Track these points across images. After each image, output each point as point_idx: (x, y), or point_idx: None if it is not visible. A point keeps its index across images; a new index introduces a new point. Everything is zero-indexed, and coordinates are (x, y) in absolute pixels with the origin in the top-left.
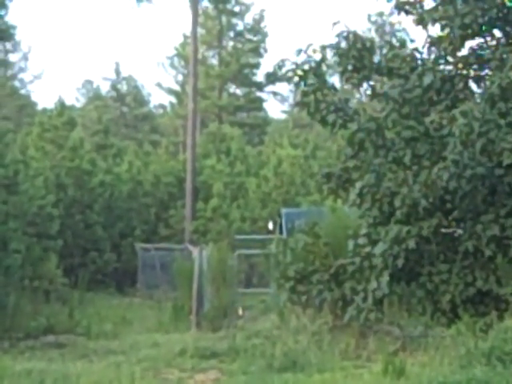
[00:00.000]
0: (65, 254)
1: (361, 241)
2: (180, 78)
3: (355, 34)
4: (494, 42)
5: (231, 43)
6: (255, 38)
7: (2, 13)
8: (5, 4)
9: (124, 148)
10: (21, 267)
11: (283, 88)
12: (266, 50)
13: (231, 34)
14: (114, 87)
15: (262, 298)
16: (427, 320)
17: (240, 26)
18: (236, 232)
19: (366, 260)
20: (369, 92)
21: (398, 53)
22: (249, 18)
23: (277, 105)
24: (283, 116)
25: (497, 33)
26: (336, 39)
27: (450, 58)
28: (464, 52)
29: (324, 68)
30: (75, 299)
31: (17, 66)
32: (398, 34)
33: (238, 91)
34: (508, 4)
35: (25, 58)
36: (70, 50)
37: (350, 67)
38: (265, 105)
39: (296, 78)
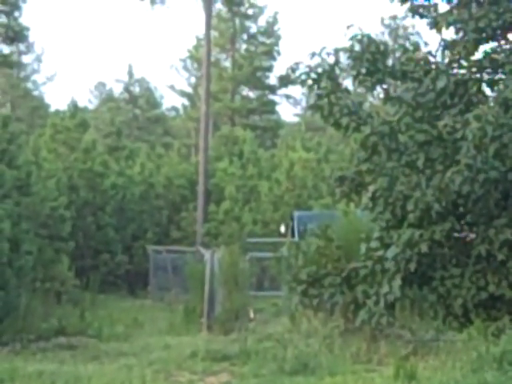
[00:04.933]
0: (76, 256)
1: (373, 244)
2: (193, 80)
3: (369, 38)
4: (508, 46)
5: (244, 46)
6: (268, 41)
7: (16, 14)
8: (18, 6)
9: (136, 150)
10: (33, 269)
11: (296, 91)
12: (279, 53)
13: (244, 36)
14: (126, 89)
15: (274, 301)
16: (439, 324)
17: (253, 29)
18: (248, 235)
19: (378, 264)
20: (382, 95)
21: (412, 56)
22: (262, 21)
23: (289, 108)
24: (296, 119)
25: (511, 37)
26: (350, 42)
27: (463, 62)
28: (478, 56)
29: (337, 71)
30: (87, 301)
31: (30, 68)
32: (412, 38)
33: (251, 94)
34: None
35: (38, 59)
36: (83, 52)
37: (363, 70)
38: (278, 108)
39: (309, 81)
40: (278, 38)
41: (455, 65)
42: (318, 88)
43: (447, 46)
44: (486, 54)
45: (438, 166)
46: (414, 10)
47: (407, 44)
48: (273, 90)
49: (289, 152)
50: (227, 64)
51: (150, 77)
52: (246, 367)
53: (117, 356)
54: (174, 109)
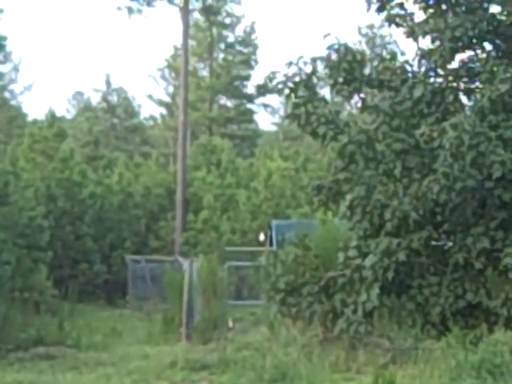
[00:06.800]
0: (55, 266)
1: (351, 253)
2: (171, 89)
3: (346, 47)
4: (484, 55)
5: (222, 55)
6: (246, 50)
7: None
8: None
9: (114, 159)
10: (11, 278)
11: (274, 100)
12: (256, 62)
13: (222, 45)
14: (104, 99)
15: (252, 310)
16: (417, 332)
17: (231, 38)
18: (226, 244)
19: (356, 272)
20: (359, 104)
21: (389, 65)
22: (240, 30)
23: (267, 117)
24: (274, 128)
25: (487, 46)
26: (327, 51)
27: (440, 71)
28: (454, 65)
29: (315, 80)
30: (65, 311)
31: (7, 77)
32: (389, 47)
33: (229, 103)
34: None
35: (15, 69)
36: (60, 62)
37: (340, 79)
38: (255, 117)
39: (287, 90)
40: (256, 47)
41: (432, 74)
42: (296, 97)
43: (424, 55)
44: (463, 62)
45: (415, 175)
46: (391, 20)
47: (384, 53)
48: (250, 99)
49: (267, 161)
50: (205, 73)
51: (127, 86)
52: (225, 376)
53: (95, 365)
54: (152, 118)
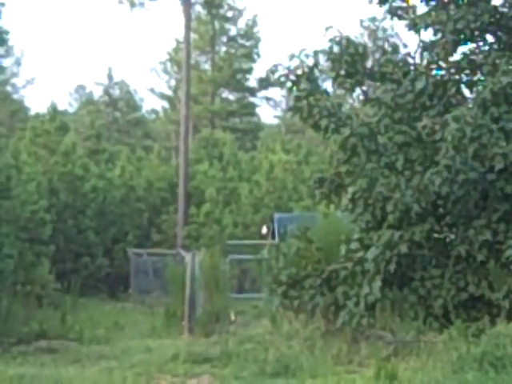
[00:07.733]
0: (57, 259)
1: (353, 246)
2: (173, 83)
3: (348, 39)
4: (486, 47)
5: (224, 48)
6: (248, 43)
7: None
8: None
9: (116, 153)
10: (13, 272)
11: (276, 93)
12: (258, 55)
13: (224, 39)
14: (106, 92)
15: (255, 304)
16: (419, 325)
17: (233, 31)
18: (228, 237)
19: (359, 265)
20: (361, 97)
21: (391, 58)
22: (242, 23)
23: (269, 110)
24: (276, 121)
25: (489, 38)
26: (329, 44)
27: (442, 63)
28: (456, 57)
29: (317, 73)
30: (67, 304)
31: (9, 71)
32: (391, 39)
33: (231, 96)
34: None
35: (17, 62)
36: (62, 55)
37: (342, 72)
38: (257, 110)
39: (289, 83)
40: (258, 40)
41: (434, 66)
42: (298, 90)
43: (426, 47)
44: (465, 55)
45: (418, 167)
46: (393, 12)
47: (386, 46)
48: (253, 92)
49: (269, 154)
50: (207, 66)
51: (129, 79)
52: (227, 369)
53: (98, 359)
54: (154, 111)
